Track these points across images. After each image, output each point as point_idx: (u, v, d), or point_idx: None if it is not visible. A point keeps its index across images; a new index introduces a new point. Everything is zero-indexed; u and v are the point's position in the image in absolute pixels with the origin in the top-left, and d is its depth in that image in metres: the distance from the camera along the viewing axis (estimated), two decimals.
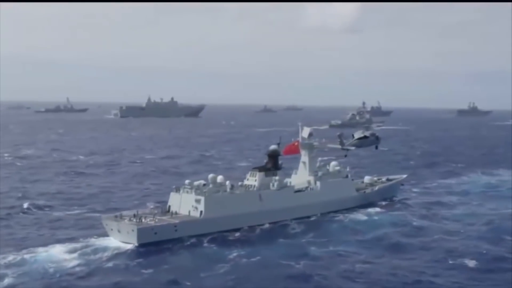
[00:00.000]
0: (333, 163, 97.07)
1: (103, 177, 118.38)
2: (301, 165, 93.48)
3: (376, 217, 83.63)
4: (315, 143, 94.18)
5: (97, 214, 79.32)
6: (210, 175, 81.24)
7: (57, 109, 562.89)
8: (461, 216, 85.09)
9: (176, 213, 76.63)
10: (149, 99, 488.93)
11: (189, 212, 76.57)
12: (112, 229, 71.41)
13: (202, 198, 75.94)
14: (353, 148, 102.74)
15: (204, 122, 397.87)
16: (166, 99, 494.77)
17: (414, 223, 79.08)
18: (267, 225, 78.10)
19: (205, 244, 68.23)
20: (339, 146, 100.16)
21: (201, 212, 75.53)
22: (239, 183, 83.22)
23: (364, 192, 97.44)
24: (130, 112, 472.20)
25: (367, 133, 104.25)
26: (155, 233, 70.31)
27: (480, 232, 74.98)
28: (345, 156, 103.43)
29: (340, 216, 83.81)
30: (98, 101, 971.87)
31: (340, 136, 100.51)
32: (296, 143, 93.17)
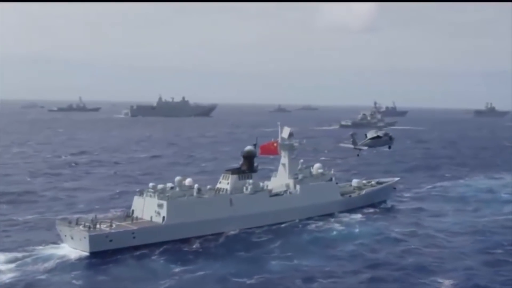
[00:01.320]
0: (316, 165, 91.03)
1: (80, 178, 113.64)
2: (280, 167, 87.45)
3: (354, 227, 76.72)
4: (296, 144, 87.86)
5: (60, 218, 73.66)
6: (177, 178, 75.75)
7: (69, 108, 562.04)
8: (450, 225, 78.16)
9: (137, 218, 71.33)
10: (160, 99, 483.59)
11: (151, 217, 71.11)
12: (66, 236, 66.33)
13: (165, 203, 70.37)
14: (365, 148, 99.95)
15: (214, 121, 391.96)
16: (178, 98, 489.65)
17: (394, 234, 72.11)
18: (232, 233, 72.16)
19: (155, 256, 62.31)
20: (352, 146, 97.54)
21: (163, 217, 69.99)
22: (208, 187, 77.20)
23: (350, 196, 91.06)
24: (140, 111, 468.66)
25: (380, 133, 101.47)
26: (110, 241, 64.86)
27: (466, 245, 68.08)
28: (358, 155, 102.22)
29: (314, 226, 77.04)
30: (114, 100, 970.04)
31: (352, 136, 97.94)
32: (275, 144, 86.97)
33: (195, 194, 73.92)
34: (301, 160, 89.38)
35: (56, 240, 65.86)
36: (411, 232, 73.66)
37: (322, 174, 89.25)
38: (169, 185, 74.97)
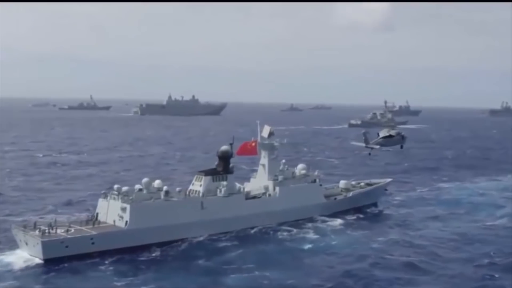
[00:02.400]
0: (299, 166, 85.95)
1: (59, 178, 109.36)
2: (260, 168, 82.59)
3: (330, 235, 70.46)
4: (276, 144, 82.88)
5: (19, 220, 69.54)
6: (144, 179, 70.87)
7: (80, 107, 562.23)
8: (437, 232, 72.33)
9: (99, 222, 66.93)
10: (169, 97, 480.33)
11: (114, 221, 66.56)
12: (20, 241, 62.05)
13: (128, 206, 65.65)
14: (377, 146, 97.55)
15: (222, 120, 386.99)
16: (189, 97, 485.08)
17: (374, 244, 65.99)
18: (198, 239, 67.16)
19: (106, 265, 57.47)
20: (363, 144, 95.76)
21: (126, 222, 65.33)
22: (177, 189, 72.01)
23: (335, 199, 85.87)
24: (150, 110, 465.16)
25: (392, 132, 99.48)
26: (66, 247, 60.29)
27: (450, 255, 62.08)
28: (369, 154, 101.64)
29: (286, 233, 71.08)
30: (131, 99, 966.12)
31: (365, 134, 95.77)
32: (253, 143, 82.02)
33: (162, 197, 69.18)
34: (283, 161, 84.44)
35: (11, 245, 61.77)
36: (393, 241, 67.62)
37: (305, 175, 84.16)
38: (138, 187, 70.29)
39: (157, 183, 71.26)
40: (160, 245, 63.63)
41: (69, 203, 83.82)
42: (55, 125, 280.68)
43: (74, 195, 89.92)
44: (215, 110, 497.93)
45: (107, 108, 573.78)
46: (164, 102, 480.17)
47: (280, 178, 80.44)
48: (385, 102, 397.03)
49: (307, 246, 65.29)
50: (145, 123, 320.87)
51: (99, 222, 66.74)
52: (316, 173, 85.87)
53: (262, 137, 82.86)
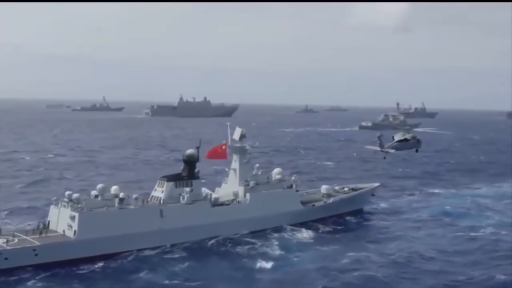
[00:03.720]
0: (275, 170, 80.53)
1: (31, 181, 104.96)
2: (231, 173, 77.33)
3: (295, 249, 63.85)
4: (248, 147, 77.60)
5: None
6: (99, 185, 65.78)
7: (93, 108, 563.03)
8: (416, 244, 66.22)
9: (47, 232, 62.25)
10: (181, 99, 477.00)
11: (64, 231, 61.79)
12: None
13: (77, 215, 60.67)
14: (392, 150, 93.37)
15: (232, 122, 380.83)
16: (201, 98, 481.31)
17: (344, 260, 59.42)
18: (147, 251, 61.71)
19: (35, 279, 52.53)
20: (378, 148, 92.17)
21: (74, 231, 60.38)
22: (134, 196, 66.71)
23: (313, 205, 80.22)
24: (161, 111, 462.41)
25: (408, 136, 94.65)
26: (5, 259, 55.55)
27: (423, 271, 56.04)
28: (384, 158, 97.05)
29: (246, 247, 64.35)
30: (146, 100, 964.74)
31: (379, 138, 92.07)
32: (223, 146, 76.82)
33: (116, 204, 64.08)
34: (257, 165, 79.23)
35: None
36: (364, 255, 61.05)
37: (280, 180, 78.68)
38: (93, 193, 65.39)
39: (114, 189, 66.17)
40: (105, 257, 58.53)
41: (26, 209, 78.75)
42: (57, 126, 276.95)
43: (36, 201, 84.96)
44: (227, 111, 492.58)
45: (119, 109, 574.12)
46: (176, 104, 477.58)
47: (251, 183, 75.07)
48: (397, 104, 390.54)
49: (265, 263, 58.54)
50: (152, 124, 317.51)
51: (46, 232, 62.07)
52: (293, 178, 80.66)
53: (233, 140, 77.76)
